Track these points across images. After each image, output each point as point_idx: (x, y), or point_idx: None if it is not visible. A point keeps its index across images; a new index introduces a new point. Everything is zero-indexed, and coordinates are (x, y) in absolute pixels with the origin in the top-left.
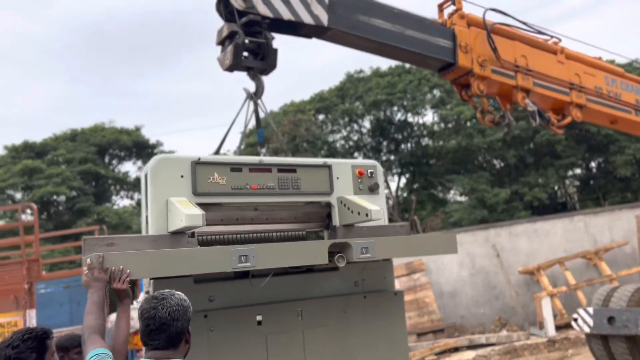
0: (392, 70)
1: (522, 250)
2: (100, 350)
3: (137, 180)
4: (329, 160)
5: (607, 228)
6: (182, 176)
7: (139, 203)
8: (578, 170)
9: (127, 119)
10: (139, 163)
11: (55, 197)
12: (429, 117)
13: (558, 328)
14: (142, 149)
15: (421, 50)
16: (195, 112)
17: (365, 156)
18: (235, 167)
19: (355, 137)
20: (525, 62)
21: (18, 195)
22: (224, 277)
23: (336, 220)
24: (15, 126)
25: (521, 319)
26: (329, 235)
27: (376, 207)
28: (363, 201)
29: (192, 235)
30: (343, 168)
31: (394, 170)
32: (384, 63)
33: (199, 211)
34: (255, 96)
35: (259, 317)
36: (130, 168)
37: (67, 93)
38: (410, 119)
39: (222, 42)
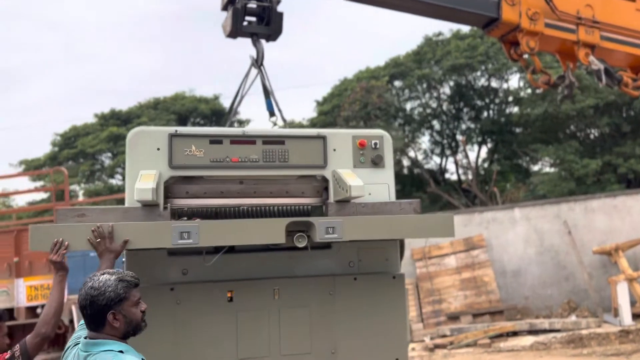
0: (473, 32)
1: (598, 228)
2: (82, 322)
3: None
4: (324, 131)
5: None
6: (158, 149)
7: None
8: None
9: (219, 88)
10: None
11: None
12: (513, 82)
13: (636, 317)
14: (220, 117)
15: (454, 4)
16: (284, 81)
17: (444, 124)
18: (215, 140)
19: (435, 105)
20: (591, 12)
21: (107, 161)
22: (200, 250)
23: (331, 196)
24: (110, 95)
25: (594, 304)
26: (325, 211)
27: (358, 182)
28: (350, 175)
29: (165, 207)
30: (342, 139)
31: (474, 139)
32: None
33: (148, 185)
34: (256, 63)
35: (230, 293)
36: None
37: (161, 63)
38: (493, 84)
39: (225, 7)
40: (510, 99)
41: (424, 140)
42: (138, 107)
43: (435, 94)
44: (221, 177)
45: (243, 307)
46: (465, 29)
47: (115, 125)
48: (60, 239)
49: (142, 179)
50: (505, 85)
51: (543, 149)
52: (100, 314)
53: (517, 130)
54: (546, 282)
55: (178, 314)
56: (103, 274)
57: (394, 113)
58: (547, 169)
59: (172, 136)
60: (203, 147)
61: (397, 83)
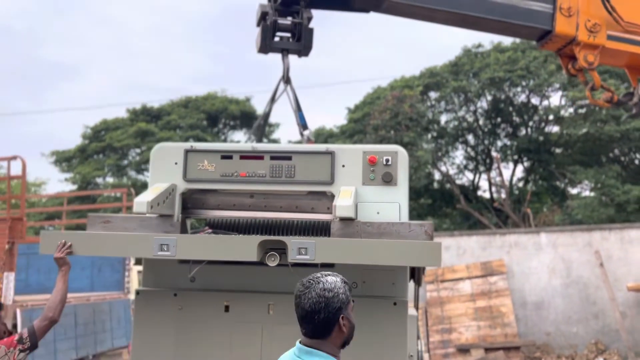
0: (515, 46)
1: (635, 261)
2: None
3: None
4: (333, 146)
5: None
6: (176, 163)
7: None
8: None
9: (253, 90)
10: (249, 134)
11: None
12: (554, 99)
13: None
14: (249, 119)
15: (502, 17)
16: (318, 87)
17: (478, 139)
18: (226, 155)
19: (471, 119)
20: None
21: (135, 156)
22: (210, 260)
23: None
24: (150, 91)
25: (625, 347)
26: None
27: (346, 203)
28: (346, 194)
29: (180, 219)
30: (351, 154)
31: (510, 157)
32: (507, 37)
33: (145, 199)
34: (285, 81)
35: (226, 304)
36: (241, 138)
37: (205, 66)
38: (533, 100)
39: (259, 24)
40: (551, 117)
41: (458, 155)
42: (169, 104)
43: (472, 108)
44: (231, 190)
45: (238, 318)
46: (506, 41)
47: (145, 121)
48: (64, 241)
49: (149, 192)
50: (545, 103)
51: (582, 172)
52: (332, 318)
53: (556, 150)
54: (572, 318)
55: (180, 318)
56: (327, 275)
57: (426, 125)
58: (586, 193)
59: (188, 152)
60: (214, 162)
61: (433, 94)
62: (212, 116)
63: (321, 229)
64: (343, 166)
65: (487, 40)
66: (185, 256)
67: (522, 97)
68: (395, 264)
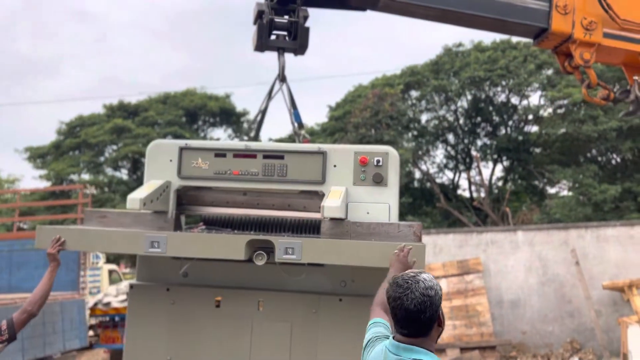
0: (495, 45)
1: (610, 260)
2: (377, 320)
3: None
4: (326, 146)
5: None
6: (170, 160)
7: None
8: None
9: (243, 91)
10: (230, 131)
11: (143, 157)
12: (534, 99)
13: None
14: (229, 116)
15: (499, 15)
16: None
17: (458, 138)
18: (220, 153)
19: (451, 118)
20: None
21: (106, 153)
22: (201, 257)
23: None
24: (129, 88)
25: (600, 346)
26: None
27: (334, 204)
28: (335, 194)
29: (174, 215)
30: (343, 155)
31: (489, 157)
32: (488, 36)
33: (138, 196)
34: (281, 79)
35: (217, 300)
36: (221, 135)
37: (183, 62)
38: (513, 100)
39: (255, 22)
40: (530, 117)
41: (438, 154)
42: (147, 100)
43: (452, 107)
44: (224, 188)
45: (229, 314)
46: (486, 40)
47: (122, 117)
48: (58, 236)
49: (143, 188)
50: (525, 102)
51: (560, 171)
52: (435, 315)
53: (535, 150)
54: (548, 316)
55: (172, 312)
56: (421, 274)
57: (406, 123)
58: (564, 193)
59: (182, 149)
60: (208, 160)
61: (413, 93)
62: (191, 113)
63: (312, 228)
64: (334, 166)
65: (467, 39)
66: (175, 253)
67: (502, 97)
68: (380, 265)
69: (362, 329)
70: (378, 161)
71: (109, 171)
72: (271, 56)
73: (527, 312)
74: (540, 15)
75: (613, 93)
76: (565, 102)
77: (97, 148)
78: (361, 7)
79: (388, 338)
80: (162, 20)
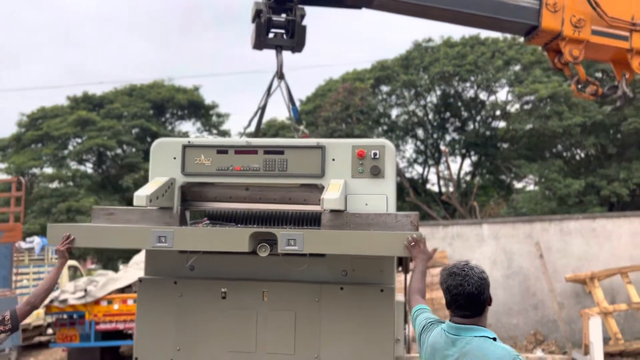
0: (464, 41)
1: (573, 253)
2: (421, 306)
3: None
4: (324, 141)
5: None
6: (174, 158)
7: None
8: None
9: (209, 83)
10: (198, 124)
11: (108, 150)
12: (501, 95)
13: (608, 357)
14: (198, 109)
15: (492, 13)
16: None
17: (428, 133)
18: (222, 150)
19: (421, 113)
20: None
21: (70, 146)
22: (207, 250)
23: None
24: (94, 81)
25: (563, 337)
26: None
27: (333, 196)
28: (334, 187)
29: (179, 211)
30: (341, 149)
31: (457, 151)
32: (457, 32)
33: (144, 193)
34: (279, 77)
35: (223, 292)
36: (189, 128)
37: (151, 55)
38: (481, 95)
39: (254, 20)
40: (498, 112)
41: (408, 149)
42: (113, 92)
43: (422, 102)
44: (226, 184)
45: (235, 305)
46: (455, 36)
47: (86, 110)
48: (68, 234)
49: (149, 186)
50: (492, 98)
51: (527, 166)
52: (487, 299)
53: (503, 145)
54: (512, 309)
55: (181, 304)
56: (471, 261)
57: (376, 118)
58: (531, 187)
59: (185, 147)
60: (211, 157)
61: (384, 88)
62: (158, 105)
63: (313, 220)
64: (333, 160)
65: (437, 34)
66: (181, 247)
67: (471, 92)
68: (378, 254)
69: (362, 315)
70: (375, 154)
71: (73, 165)
72: (244, 50)
73: (492, 305)
74: (530, 13)
75: (601, 88)
76: (532, 98)
77: (60, 141)
78: (356, 5)
79: (441, 322)
80: (128, 11)
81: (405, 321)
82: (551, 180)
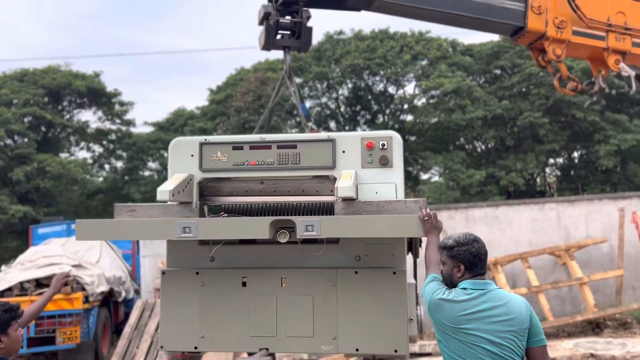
0: (374, 34)
1: None
2: (435, 275)
3: (99, 131)
4: (334, 134)
5: (584, 221)
6: (192, 155)
7: (101, 156)
8: (560, 160)
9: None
10: (100, 113)
11: None
12: (409, 89)
13: None
14: (98, 97)
15: (480, 14)
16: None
17: (340, 125)
18: (237, 146)
19: (333, 105)
20: (624, 19)
21: None
22: (226, 242)
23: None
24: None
25: None
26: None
27: (346, 184)
28: (346, 176)
29: (198, 205)
30: (350, 141)
31: None
32: (367, 25)
33: (167, 188)
34: (289, 77)
35: (244, 279)
36: (90, 117)
37: (51, 39)
38: (390, 89)
39: (261, 22)
40: (406, 106)
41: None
42: (1, 77)
43: (334, 95)
44: (242, 178)
45: (255, 292)
46: (366, 29)
47: None
48: (67, 272)
49: (170, 181)
50: (401, 92)
51: (432, 158)
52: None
53: (410, 138)
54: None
55: (203, 293)
56: (476, 238)
57: (289, 109)
58: (436, 178)
59: (202, 144)
60: (227, 153)
61: (297, 79)
62: (54, 92)
63: (326, 210)
64: (343, 152)
65: (347, 27)
66: (206, 237)
67: (380, 86)
68: (389, 235)
69: (376, 297)
70: (383, 145)
71: None
72: (151, 37)
73: None
74: (517, 14)
75: (580, 85)
76: (437, 92)
77: None
78: (356, 8)
79: (449, 288)
80: None
81: (417, 302)
82: (455, 171)
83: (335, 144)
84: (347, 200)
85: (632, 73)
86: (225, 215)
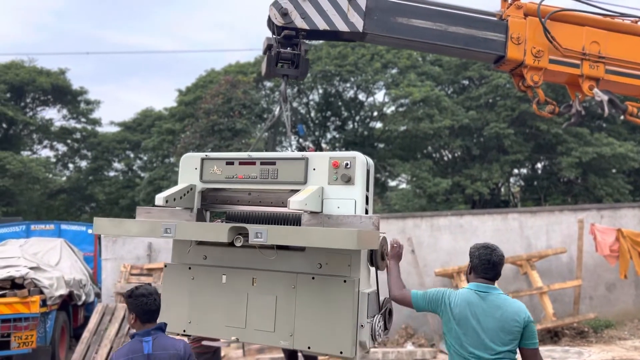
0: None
1: (442, 248)
2: (415, 291)
3: (63, 129)
4: (308, 154)
5: (545, 232)
6: (196, 168)
7: (65, 155)
8: (524, 170)
9: (84, 68)
10: (64, 111)
11: None
12: (379, 96)
13: None
14: (64, 95)
15: (464, 45)
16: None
17: (310, 131)
18: (229, 162)
19: (304, 110)
20: (598, 48)
21: None
22: (218, 243)
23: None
24: None
25: (431, 330)
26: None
27: (298, 198)
28: (305, 192)
29: (197, 210)
30: (320, 160)
31: (337, 150)
32: None
33: (162, 195)
34: (284, 100)
35: (223, 277)
36: (54, 115)
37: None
38: (360, 96)
39: (265, 52)
40: (375, 113)
41: (293, 144)
42: None
43: (304, 100)
44: (233, 189)
45: (231, 288)
46: None
47: None
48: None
49: (170, 190)
50: (371, 99)
51: (400, 165)
52: (500, 271)
53: (379, 145)
54: None
55: (192, 285)
56: (495, 248)
57: (259, 112)
58: (403, 185)
59: (203, 159)
60: (221, 167)
61: (267, 83)
62: (17, 88)
63: (295, 220)
64: (314, 169)
65: None
66: (181, 237)
67: (351, 93)
68: (320, 245)
69: (328, 301)
70: (347, 164)
71: None
72: (120, 36)
73: None
74: (498, 44)
75: (558, 108)
76: (406, 100)
77: None
78: (350, 39)
79: (452, 291)
80: None
81: (380, 312)
82: (422, 179)
83: (308, 162)
84: (313, 213)
85: (605, 98)
86: (220, 220)
